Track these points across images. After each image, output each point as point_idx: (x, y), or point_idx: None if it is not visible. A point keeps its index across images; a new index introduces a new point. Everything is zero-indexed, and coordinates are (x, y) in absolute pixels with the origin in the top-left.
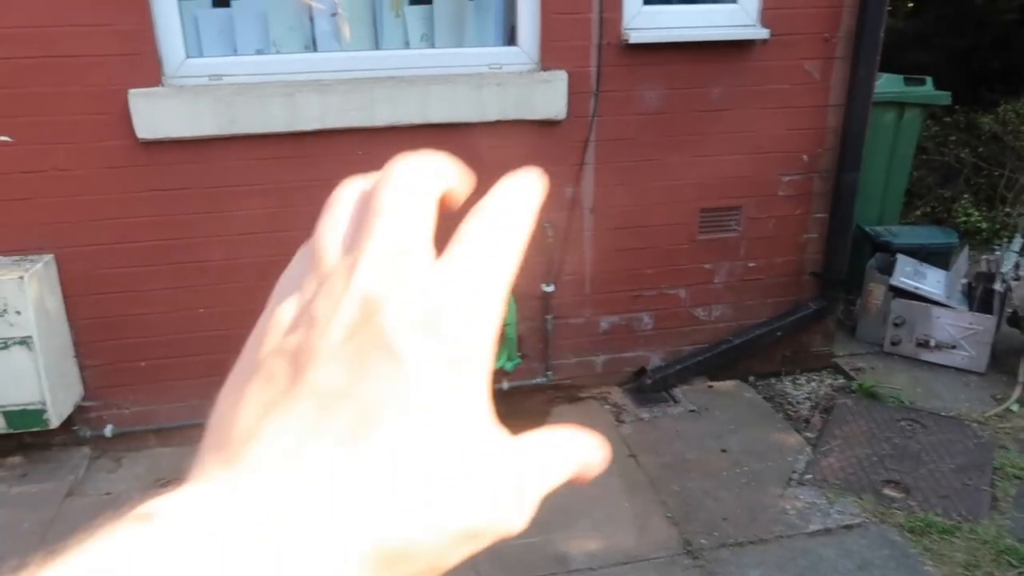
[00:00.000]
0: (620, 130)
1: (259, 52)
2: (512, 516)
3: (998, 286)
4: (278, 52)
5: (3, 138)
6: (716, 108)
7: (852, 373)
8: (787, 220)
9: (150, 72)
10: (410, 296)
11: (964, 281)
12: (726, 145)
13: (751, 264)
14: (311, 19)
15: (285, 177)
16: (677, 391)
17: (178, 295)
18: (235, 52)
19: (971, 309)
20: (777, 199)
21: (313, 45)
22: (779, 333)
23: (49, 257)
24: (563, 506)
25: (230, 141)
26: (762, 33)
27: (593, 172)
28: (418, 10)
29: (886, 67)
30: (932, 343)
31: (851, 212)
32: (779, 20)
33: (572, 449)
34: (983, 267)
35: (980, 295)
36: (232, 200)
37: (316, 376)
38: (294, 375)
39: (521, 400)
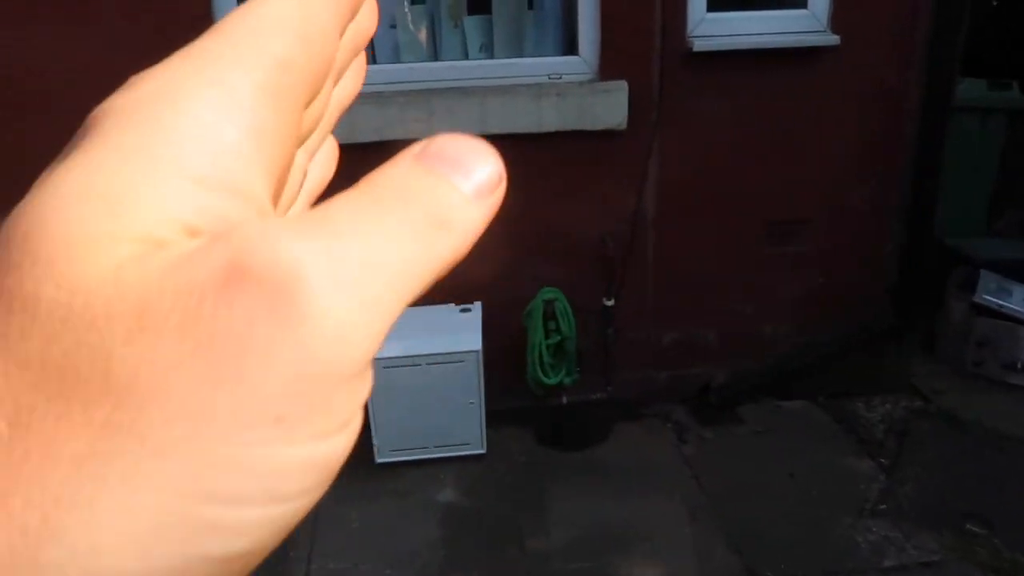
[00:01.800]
0: (684, 141)
1: None
2: None
3: None
4: None
5: None
6: (785, 117)
7: (930, 395)
8: (861, 234)
9: None
10: None
11: None
12: (796, 156)
13: (822, 279)
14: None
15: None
16: (743, 410)
17: None
18: None
19: None
20: (851, 212)
21: (372, 58)
22: (851, 352)
23: None
24: (619, 530)
25: None
26: (832, 39)
27: (656, 184)
28: (477, 20)
29: (969, 71)
30: (1020, 365)
31: (930, 225)
32: (850, 25)
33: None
34: None
35: None
36: None
37: None
38: None
39: (581, 415)
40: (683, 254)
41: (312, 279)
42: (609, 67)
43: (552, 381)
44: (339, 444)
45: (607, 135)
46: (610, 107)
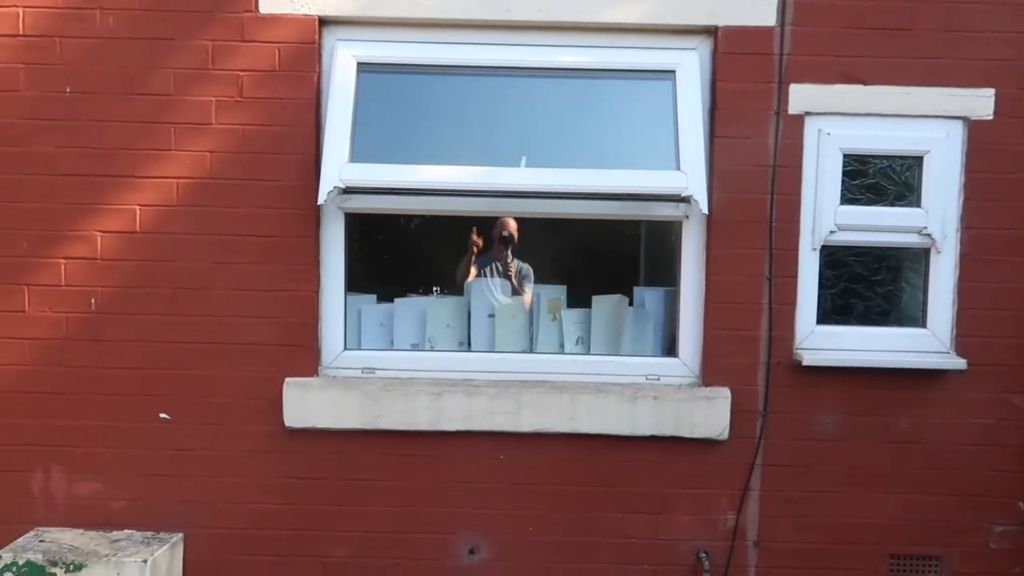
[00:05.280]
0: (791, 456)
1: (414, 347)
2: None
3: None
4: (432, 348)
5: (163, 415)
6: (905, 440)
7: None
8: None
9: (307, 362)
10: None
11: None
12: (918, 483)
13: None
14: (468, 317)
15: (423, 477)
16: None
17: None
18: (391, 345)
19: None
20: (988, 552)
21: (468, 343)
22: None
23: (178, 537)
24: None
25: (373, 435)
26: (957, 363)
27: (758, 500)
28: (575, 313)
29: None
30: None
31: None
32: (977, 348)
33: None
34: None
35: None
36: (367, 496)
37: None
38: None
39: None
40: None
41: None
42: (711, 373)
43: None
44: None
45: (706, 444)
46: (710, 415)
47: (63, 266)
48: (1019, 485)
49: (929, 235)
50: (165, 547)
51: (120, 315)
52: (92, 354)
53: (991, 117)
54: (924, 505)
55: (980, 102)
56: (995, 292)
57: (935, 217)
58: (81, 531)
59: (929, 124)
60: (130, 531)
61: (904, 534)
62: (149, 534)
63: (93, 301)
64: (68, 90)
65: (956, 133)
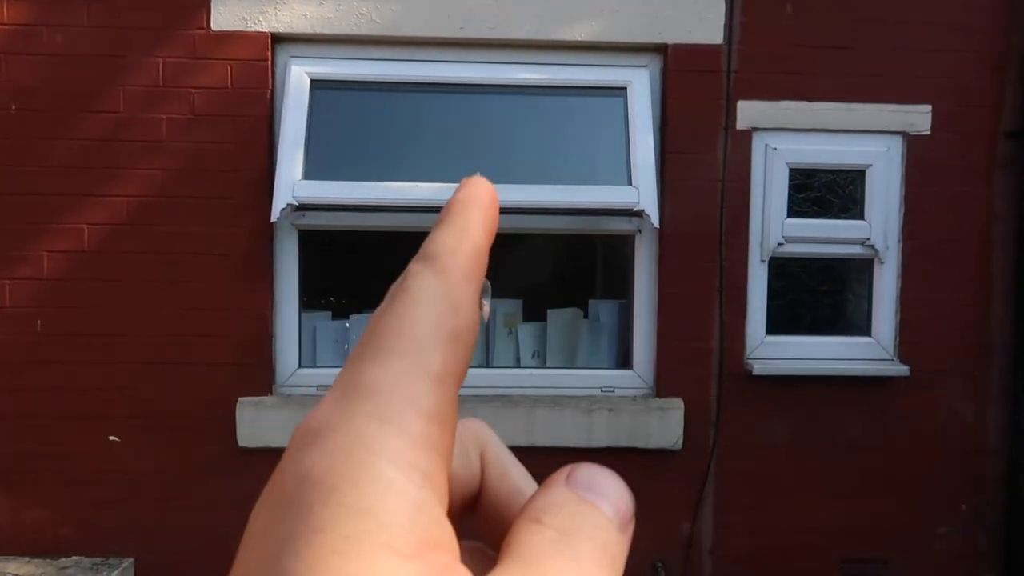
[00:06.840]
0: (743, 465)
1: None
2: None
3: None
4: None
5: (113, 438)
6: (853, 446)
7: None
8: None
9: (261, 381)
10: None
11: None
12: (867, 487)
13: None
14: None
15: None
16: None
17: None
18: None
19: None
20: (934, 554)
21: None
22: None
23: (128, 563)
24: None
25: None
26: (900, 370)
27: (712, 509)
28: (531, 327)
29: None
30: None
31: None
32: (919, 356)
33: None
34: None
35: None
36: None
37: None
38: None
39: None
40: None
41: None
42: (664, 384)
43: None
44: None
45: (661, 455)
46: (665, 426)
47: (7, 287)
48: (961, 488)
49: (872, 246)
50: (115, 573)
51: (68, 336)
52: (39, 377)
53: (928, 132)
54: (872, 510)
55: (918, 117)
56: (935, 301)
57: (877, 229)
58: (27, 559)
59: (871, 139)
60: (78, 557)
61: (854, 539)
62: (98, 560)
63: (39, 322)
64: (13, 107)
65: (896, 147)
